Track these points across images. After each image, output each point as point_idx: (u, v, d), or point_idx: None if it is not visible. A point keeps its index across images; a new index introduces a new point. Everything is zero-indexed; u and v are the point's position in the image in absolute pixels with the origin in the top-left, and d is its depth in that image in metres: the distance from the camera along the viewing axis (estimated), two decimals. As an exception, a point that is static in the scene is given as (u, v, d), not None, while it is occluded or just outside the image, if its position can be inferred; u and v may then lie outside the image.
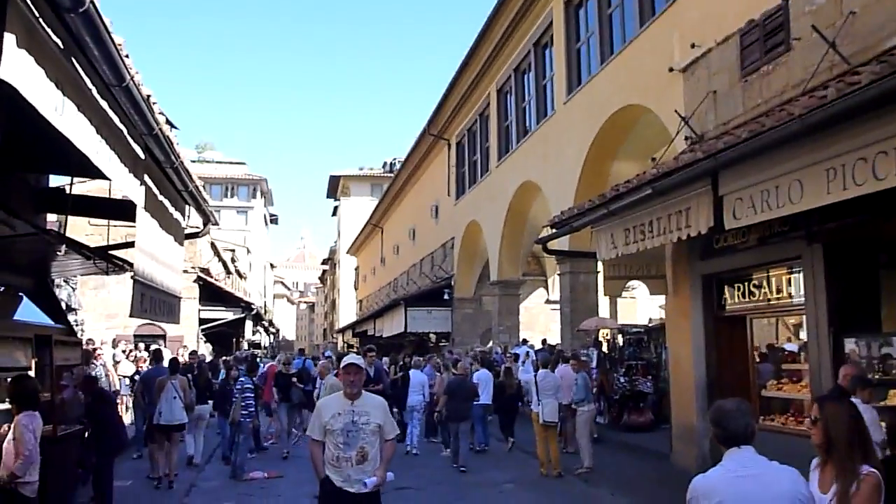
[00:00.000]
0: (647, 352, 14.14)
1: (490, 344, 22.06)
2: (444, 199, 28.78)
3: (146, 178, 6.66)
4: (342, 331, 60.87)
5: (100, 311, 24.04)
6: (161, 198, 7.62)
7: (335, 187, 69.06)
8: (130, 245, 7.76)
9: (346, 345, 57.57)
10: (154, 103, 5.93)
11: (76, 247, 7.78)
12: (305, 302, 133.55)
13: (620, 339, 15.59)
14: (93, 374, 9.77)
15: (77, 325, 17.14)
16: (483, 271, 26.53)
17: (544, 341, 20.54)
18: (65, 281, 17.43)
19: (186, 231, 9.71)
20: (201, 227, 9.92)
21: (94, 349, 12.40)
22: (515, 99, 20.51)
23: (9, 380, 6.00)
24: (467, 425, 11.94)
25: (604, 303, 27.88)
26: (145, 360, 13.45)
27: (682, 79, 11.35)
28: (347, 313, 64.55)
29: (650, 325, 16.39)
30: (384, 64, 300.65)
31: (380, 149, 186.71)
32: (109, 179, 5.82)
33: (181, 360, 16.15)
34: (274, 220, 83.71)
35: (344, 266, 67.83)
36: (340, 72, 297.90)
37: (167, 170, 6.92)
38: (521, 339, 19.54)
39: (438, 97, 27.15)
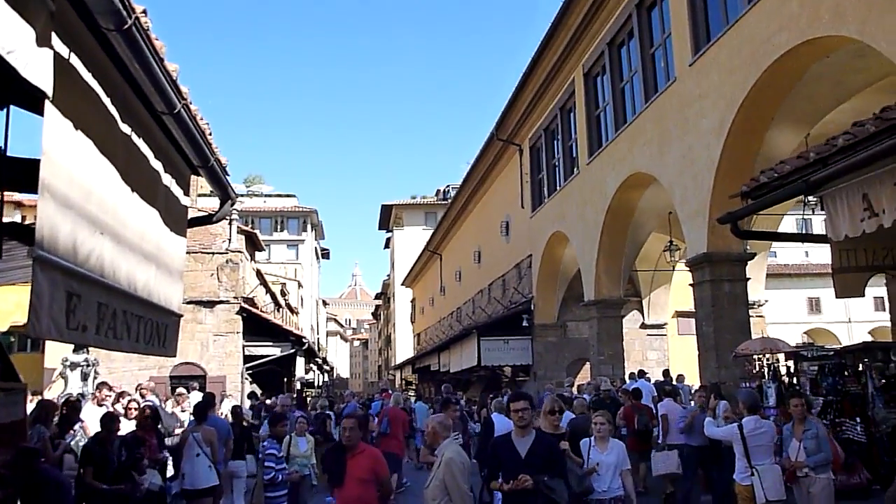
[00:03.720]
0: (850, 383, 10.19)
1: (592, 379, 18.18)
2: (516, 212, 25.20)
3: (75, 61, 3.23)
4: (400, 367, 57.33)
5: (130, 349, 20.97)
6: (123, 126, 4.19)
7: (387, 218, 66.32)
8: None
9: (403, 382, 54.04)
10: None
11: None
12: (359, 339, 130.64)
13: (792, 367, 11.67)
14: (33, 444, 6.28)
15: (88, 366, 13.92)
16: (567, 293, 22.81)
17: (666, 372, 16.66)
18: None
19: (191, 211, 6.33)
20: (217, 206, 6.42)
21: (67, 402, 8.82)
22: (612, 79, 16.90)
23: None
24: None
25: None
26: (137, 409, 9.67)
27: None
28: (404, 348, 61.19)
29: (849, 346, 12.36)
30: (433, 90, 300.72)
31: (432, 178, 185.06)
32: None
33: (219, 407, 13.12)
34: (325, 254, 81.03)
35: (399, 299, 64.65)
36: (389, 100, 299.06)
37: (119, 46, 3.45)
38: (636, 371, 15.68)
39: (497, 111, 23.79)
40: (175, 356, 6.04)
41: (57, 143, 3.21)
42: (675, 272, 22.52)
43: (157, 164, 4.95)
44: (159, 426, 9.33)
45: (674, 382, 15.42)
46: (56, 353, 18.18)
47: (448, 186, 63.18)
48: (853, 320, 42.70)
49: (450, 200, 42.43)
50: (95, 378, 13.75)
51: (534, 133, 23.12)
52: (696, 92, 12.68)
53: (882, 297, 19.38)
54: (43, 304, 3.14)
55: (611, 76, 16.97)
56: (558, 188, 20.94)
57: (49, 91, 2.96)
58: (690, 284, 12.99)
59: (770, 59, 10.48)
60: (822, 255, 49.54)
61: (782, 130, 12.01)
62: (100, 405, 9.48)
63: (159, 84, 3.99)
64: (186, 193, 5.94)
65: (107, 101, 3.86)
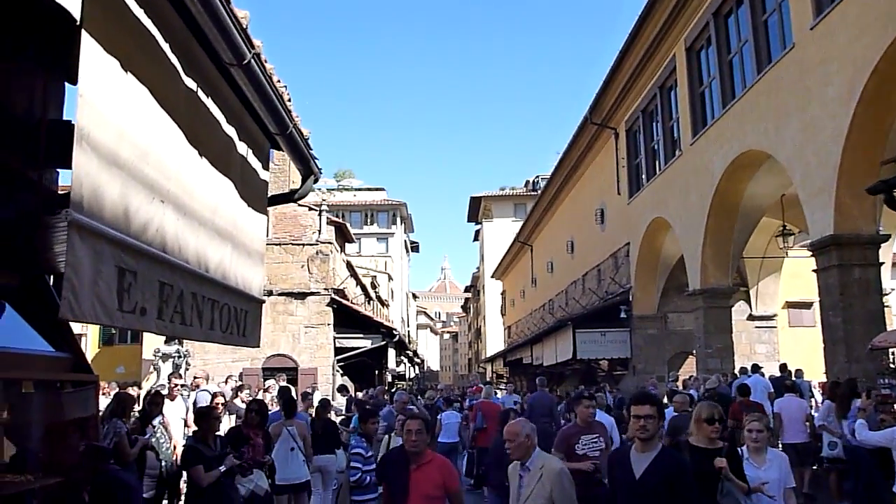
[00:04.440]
0: None
1: (698, 374, 17.04)
2: (612, 199, 24.10)
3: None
4: (490, 360, 56.73)
5: (224, 341, 21.10)
6: (186, 79, 3.67)
7: (476, 210, 65.66)
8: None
9: (494, 375, 53.43)
10: None
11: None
12: (448, 332, 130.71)
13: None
14: (108, 441, 5.87)
15: (180, 357, 13.84)
16: (668, 282, 21.63)
17: (783, 367, 15.40)
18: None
19: (272, 188, 5.82)
20: (300, 182, 5.88)
21: (140, 395, 8.47)
22: (718, 51, 15.70)
23: None
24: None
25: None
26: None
27: None
28: (494, 341, 60.50)
29: None
30: (521, 81, 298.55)
31: (521, 169, 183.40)
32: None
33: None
34: (415, 247, 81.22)
35: (489, 291, 64.00)
36: (477, 91, 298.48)
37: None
38: (750, 366, 14.47)
39: (587, 99, 22.68)
40: (258, 346, 5.55)
41: (98, 84, 2.67)
42: (785, 259, 21.10)
43: (229, 130, 4.44)
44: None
45: (792, 378, 14.17)
46: (154, 343, 18.38)
47: (537, 177, 62.09)
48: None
49: (539, 191, 41.48)
50: (187, 370, 13.67)
51: (630, 115, 22.00)
52: (818, 57, 11.47)
53: None
54: (83, 279, 2.61)
55: (717, 49, 15.76)
56: (658, 172, 19.82)
57: (76, 12, 2.42)
58: (814, 270, 11.79)
59: (911, 14, 9.28)
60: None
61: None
62: (172, 399, 9.07)
63: (224, 26, 3.42)
64: (266, 167, 5.44)
65: (164, 46, 3.32)
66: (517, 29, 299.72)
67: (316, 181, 5.88)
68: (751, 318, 22.16)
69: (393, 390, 19.40)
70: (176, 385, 9.26)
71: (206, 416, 6.64)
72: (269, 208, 6.17)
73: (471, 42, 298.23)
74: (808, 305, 22.67)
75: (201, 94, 3.87)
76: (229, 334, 4.68)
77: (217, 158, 4.20)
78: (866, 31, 10.20)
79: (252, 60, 3.77)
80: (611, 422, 10.21)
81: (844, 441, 9.34)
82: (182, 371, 13.43)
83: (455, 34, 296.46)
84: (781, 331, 22.51)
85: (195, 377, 11.63)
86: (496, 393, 18.06)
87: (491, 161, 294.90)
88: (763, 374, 14.29)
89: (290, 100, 5.10)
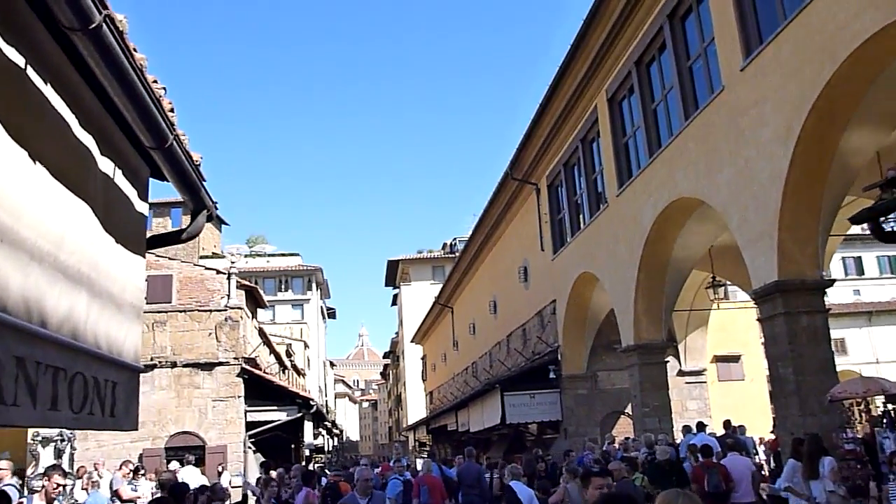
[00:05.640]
0: None
1: (637, 435, 16.17)
2: (535, 256, 23.48)
3: None
4: (412, 427, 54.89)
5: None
6: (7, 49, 2.55)
7: (394, 274, 64.66)
8: None
9: (417, 443, 51.64)
10: None
11: None
12: (367, 400, 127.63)
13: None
14: None
15: (63, 441, 12.07)
16: (595, 340, 20.98)
17: (727, 423, 14.69)
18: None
19: (152, 226, 4.65)
20: (189, 220, 4.73)
21: None
22: (641, 100, 15.39)
23: None
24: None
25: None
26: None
27: None
28: (416, 408, 58.80)
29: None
30: (438, 145, 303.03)
31: (438, 232, 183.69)
32: None
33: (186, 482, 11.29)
34: (331, 313, 79.15)
35: (409, 356, 62.55)
36: (394, 155, 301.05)
37: None
38: (695, 424, 13.70)
39: (503, 159, 22.28)
40: (135, 428, 4.30)
41: None
42: (712, 312, 20.80)
43: (84, 137, 3.30)
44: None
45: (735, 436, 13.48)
46: (38, 426, 16.31)
47: (455, 240, 61.86)
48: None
49: (458, 254, 40.95)
50: (72, 454, 11.91)
51: (552, 169, 21.57)
52: (751, 98, 11.10)
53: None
54: None
55: (640, 98, 15.45)
56: (583, 226, 19.30)
57: None
58: (758, 319, 11.23)
59: (850, 48, 8.92)
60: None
61: (856, 136, 10.37)
62: (50, 501, 7.28)
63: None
64: (143, 197, 4.28)
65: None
66: (434, 96, 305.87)
67: (210, 218, 4.74)
68: (681, 373, 21.63)
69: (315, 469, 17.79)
70: (56, 485, 7.20)
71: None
72: (166, 259, 4.96)
73: (387, 107, 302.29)
74: (735, 359, 22.44)
75: (33, 74, 2.75)
76: (88, 415, 3.45)
77: (64, 172, 3.06)
78: (802, 68, 9.85)
79: (104, 25, 2.68)
80: (529, 494, 9.22)
81: (814, 503, 8.56)
82: (67, 458, 11.67)
83: (367, 92, 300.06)
84: (711, 385, 22.09)
85: (80, 466, 9.90)
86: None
87: (408, 224, 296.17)
88: (706, 433, 13.57)
89: (172, 110, 4.00)
